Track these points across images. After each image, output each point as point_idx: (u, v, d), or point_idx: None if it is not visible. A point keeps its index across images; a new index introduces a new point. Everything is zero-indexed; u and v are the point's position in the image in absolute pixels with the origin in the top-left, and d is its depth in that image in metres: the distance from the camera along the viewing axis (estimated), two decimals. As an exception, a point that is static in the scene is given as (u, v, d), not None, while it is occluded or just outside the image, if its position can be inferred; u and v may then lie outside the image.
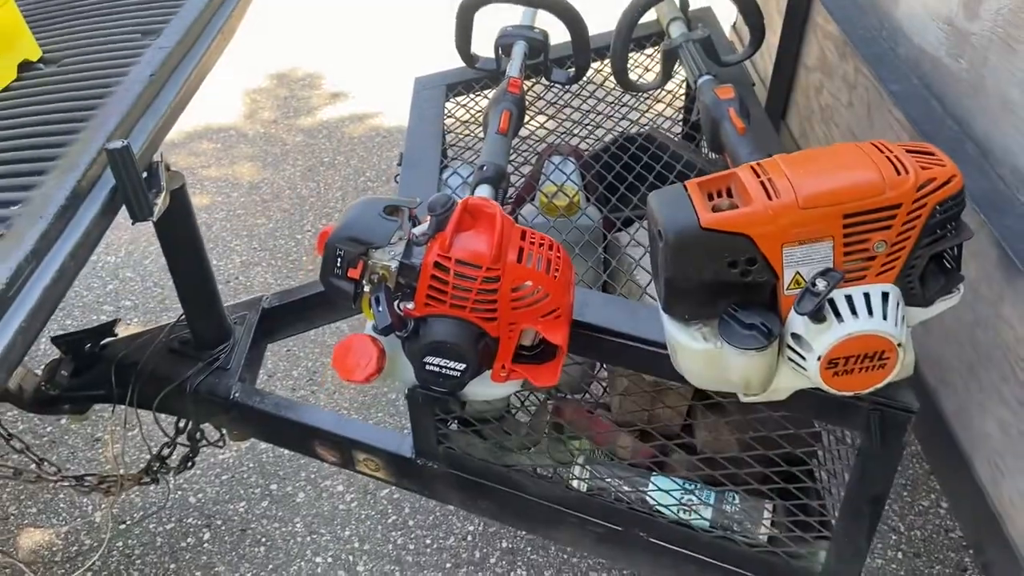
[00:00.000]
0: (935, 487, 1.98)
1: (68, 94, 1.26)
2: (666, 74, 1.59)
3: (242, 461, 2.14)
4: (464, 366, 1.00)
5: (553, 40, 1.60)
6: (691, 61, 1.47)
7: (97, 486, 1.77)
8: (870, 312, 0.89)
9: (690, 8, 1.70)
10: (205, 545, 1.95)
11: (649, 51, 1.86)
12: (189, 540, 1.96)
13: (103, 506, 2.03)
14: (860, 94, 1.69)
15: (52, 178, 1.07)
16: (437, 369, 1.02)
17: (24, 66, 1.32)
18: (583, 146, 1.72)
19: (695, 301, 0.94)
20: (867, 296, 0.89)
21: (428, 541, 1.94)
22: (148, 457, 1.78)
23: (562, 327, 1.02)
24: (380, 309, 0.97)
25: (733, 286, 0.91)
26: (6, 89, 1.28)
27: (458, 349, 0.99)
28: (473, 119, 1.74)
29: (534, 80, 1.77)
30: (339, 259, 1.00)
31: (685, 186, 0.94)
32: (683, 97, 1.88)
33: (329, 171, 3.30)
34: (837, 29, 1.59)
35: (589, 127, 1.75)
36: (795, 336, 0.91)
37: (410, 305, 1.00)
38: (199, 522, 2.00)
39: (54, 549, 1.94)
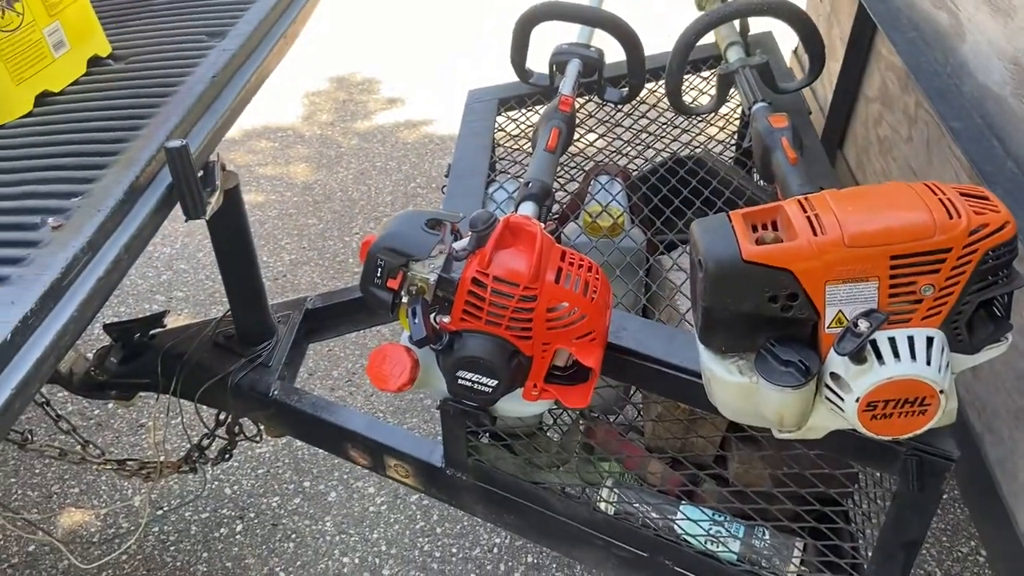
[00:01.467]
0: (975, 533, 1.92)
1: (133, 91, 1.30)
2: (720, 99, 1.58)
3: (278, 456, 2.18)
4: (496, 382, 1.01)
5: (609, 59, 1.59)
6: (746, 87, 1.45)
7: (138, 471, 1.82)
8: (913, 356, 0.86)
9: (750, 33, 1.68)
10: (237, 536, 1.99)
11: (705, 74, 1.84)
12: (222, 531, 2.00)
13: (142, 491, 2.08)
14: (920, 129, 1.66)
15: (112, 172, 1.11)
16: (469, 384, 1.02)
17: (93, 61, 1.37)
18: (632, 167, 1.71)
19: (732, 333, 0.93)
20: (911, 339, 0.87)
21: (454, 550, 1.94)
22: (188, 446, 1.83)
23: (596, 350, 1.02)
24: (416, 321, 0.98)
25: (772, 320, 0.90)
26: (75, 83, 1.33)
27: (491, 365, 0.99)
28: (523, 134, 1.74)
29: (587, 97, 1.77)
30: (379, 269, 1.01)
31: (729, 216, 0.92)
32: (737, 121, 1.86)
33: (381, 175, 3.34)
34: (901, 61, 1.56)
35: (639, 147, 1.74)
36: (834, 376, 0.89)
37: (446, 319, 1.01)
38: (233, 513, 2.04)
39: (92, 530, 2.00)
